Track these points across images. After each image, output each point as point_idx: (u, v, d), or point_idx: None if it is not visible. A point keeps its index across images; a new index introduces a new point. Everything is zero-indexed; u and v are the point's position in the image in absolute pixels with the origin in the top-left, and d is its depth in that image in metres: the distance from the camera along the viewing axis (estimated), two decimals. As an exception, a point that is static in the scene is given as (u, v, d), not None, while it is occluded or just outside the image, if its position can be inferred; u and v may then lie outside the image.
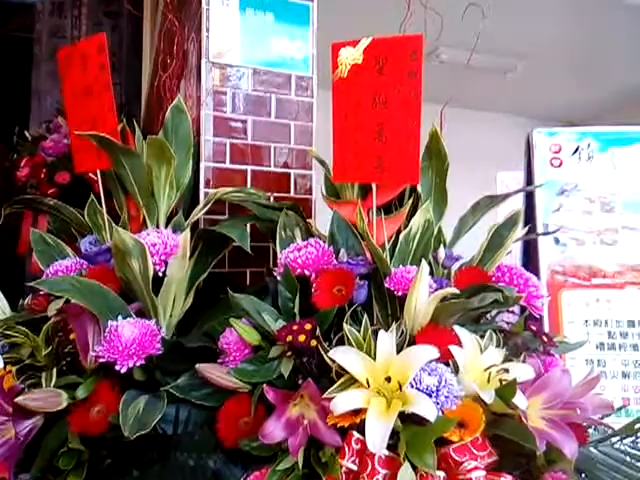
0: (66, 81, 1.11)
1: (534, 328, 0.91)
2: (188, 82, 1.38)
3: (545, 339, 0.90)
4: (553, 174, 1.54)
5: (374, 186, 0.94)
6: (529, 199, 1.53)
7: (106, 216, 1.04)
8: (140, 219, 1.04)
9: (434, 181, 1.02)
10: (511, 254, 1.18)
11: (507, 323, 0.99)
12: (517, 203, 1.41)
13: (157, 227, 1.01)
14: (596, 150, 1.54)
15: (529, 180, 1.57)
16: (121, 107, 2.28)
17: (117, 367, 0.79)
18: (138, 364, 0.80)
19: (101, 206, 1.08)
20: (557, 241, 1.49)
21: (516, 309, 1.03)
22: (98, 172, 1.06)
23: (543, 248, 1.47)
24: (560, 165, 1.55)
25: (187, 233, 0.91)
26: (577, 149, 1.55)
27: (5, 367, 0.85)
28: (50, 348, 0.85)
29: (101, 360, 0.80)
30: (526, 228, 1.24)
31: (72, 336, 0.83)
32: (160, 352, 0.84)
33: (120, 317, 0.84)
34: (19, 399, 0.74)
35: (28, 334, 0.87)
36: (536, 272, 1.41)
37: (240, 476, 0.74)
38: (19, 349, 0.89)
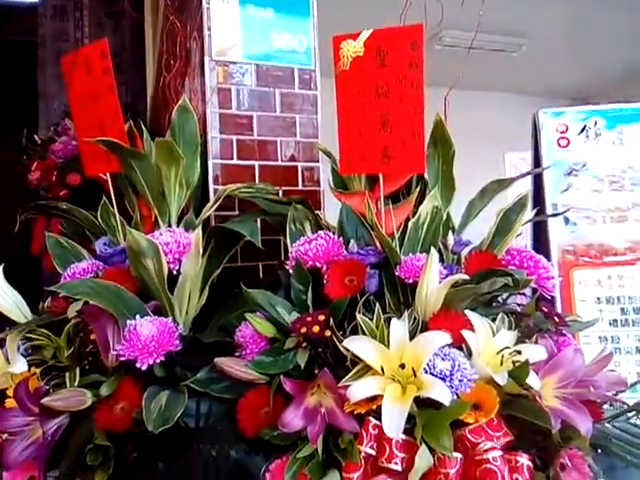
0: (71, 87, 1.12)
1: (545, 309, 0.91)
2: (192, 81, 1.39)
3: (557, 319, 0.91)
4: (561, 154, 1.54)
5: (381, 176, 0.95)
6: (537, 180, 1.53)
7: (119, 217, 1.05)
8: (152, 219, 1.05)
9: (440, 168, 1.02)
10: (521, 235, 1.18)
11: (519, 305, 1.00)
12: (525, 185, 1.41)
13: (169, 226, 1.03)
14: (603, 128, 1.54)
15: (537, 161, 1.56)
16: (127, 107, 2.30)
17: (138, 364, 0.81)
18: (158, 361, 0.82)
19: (113, 207, 1.10)
20: (567, 221, 1.49)
21: (528, 291, 1.04)
22: (108, 175, 1.08)
23: (553, 229, 1.48)
24: (567, 145, 1.55)
25: (199, 231, 0.93)
26: (584, 128, 1.54)
27: (29, 369, 0.88)
28: (72, 349, 0.88)
29: (122, 358, 0.82)
30: (535, 210, 1.24)
31: (92, 336, 0.86)
32: (179, 348, 0.86)
33: (138, 316, 0.86)
34: (45, 400, 0.76)
35: (50, 336, 0.89)
36: (547, 253, 1.42)
37: (262, 465, 0.76)
38: (42, 351, 0.91)
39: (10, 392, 0.85)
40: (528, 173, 1.41)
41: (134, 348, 0.82)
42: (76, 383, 0.83)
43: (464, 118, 1.69)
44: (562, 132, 1.54)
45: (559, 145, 1.54)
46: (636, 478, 0.85)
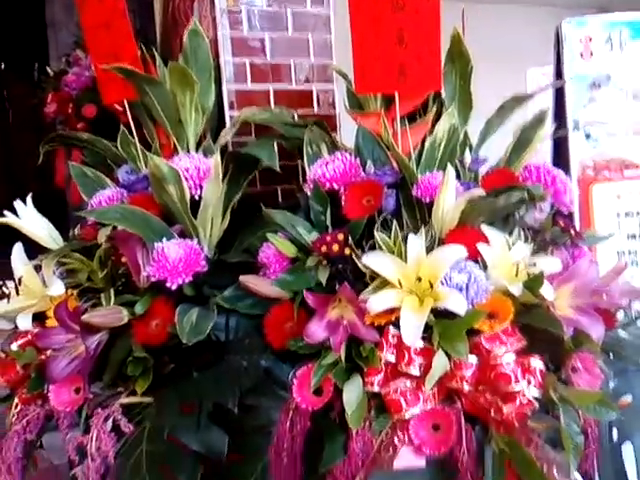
0: (83, 15, 1.11)
1: (562, 223, 0.93)
2: (201, 3, 1.36)
3: (573, 233, 0.93)
4: (583, 67, 1.49)
5: (397, 95, 0.94)
6: (559, 95, 1.48)
7: (139, 145, 1.07)
8: (171, 146, 1.07)
9: (458, 85, 1.01)
10: (541, 152, 1.17)
11: (536, 220, 1.01)
12: (547, 102, 1.37)
13: (188, 152, 1.05)
14: (628, 38, 1.47)
15: (559, 75, 1.51)
16: (137, 34, 2.25)
17: (168, 284, 0.86)
18: (187, 281, 0.87)
19: (132, 136, 1.11)
20: (588, 136, 1.46)
21: (546, 207, 1.05)
22: (125, 102, 1.09)
23: (574, 144, 1.45)
24: (591, 57, 1.49)
25: (217, 156, 0.94)
26: (608, 38, 1.48)
27: (66, 292, 0.93)
28: (105, 271, 0.92)
29: (153, 279, 0.86)
30: (554, 125, 1.22)
31: (123, 259, 0.90)
32: (205, 269, 0.90)
33: (164, 239, 0.90)
34: (85, 317, 0.82)
35: (83, 260, 0.94)
36: (566, 169, 1.40)
37: (289, 372, 0.81)
38: (76, 275, 0.97)
39: (50, 313, 0.91)
40: (549, 86, 1.37)
41: (163, 269, 0.86)
42: (111, 303, 0.89)
43: (484, 33, 1.63)
44: (586, 43, 1.48)
45: (582, 57, 1.49)
46: (646, 381, 0.90)
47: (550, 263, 0.83)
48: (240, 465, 0.82)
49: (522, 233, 0.90)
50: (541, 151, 1.18)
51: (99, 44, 1.10)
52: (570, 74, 1.46)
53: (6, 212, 1.02)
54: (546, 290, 0.79)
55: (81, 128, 2.45)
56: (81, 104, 2.94)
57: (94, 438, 0.80)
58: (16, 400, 0.91)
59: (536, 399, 0.74)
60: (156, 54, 1.16)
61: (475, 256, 0.82)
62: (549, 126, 1.06)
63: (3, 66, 5.26)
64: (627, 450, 0.84)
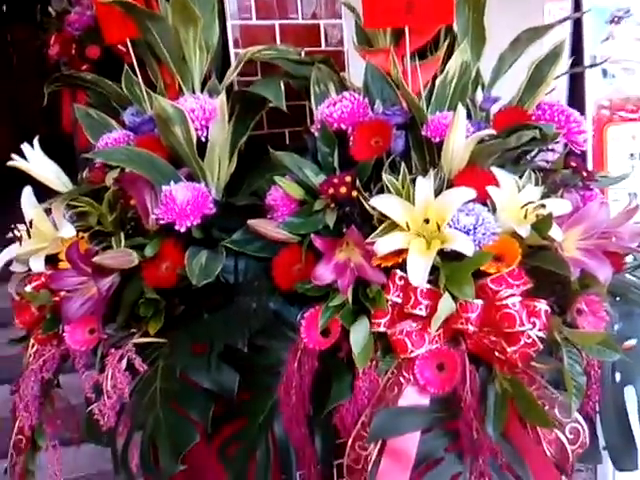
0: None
1: (574, 164, 0.91)
2: None
3: (585, 174, 0.91)
4: (603, 0, 1.42)
5: (407, 30, 0.91)
6: (576, 30, 1.42)
7: (143, 86, 1.05)
8: (175, 86, 1.05)
9: (471, 18, 0.97)
10: (556, 90, 1.14)
11: (548, 162, 0.99)
12: (564, 36, 1.32)
13: (193, 93, 1.02)
14: (653, -33, 1.39)
15: (577, 8, 1.45)
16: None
17: (177, 227, 0.86)
18: (195, 223, 0.87)
19: (136, 76, 1.09)
20: (605, 73, 1.41)
21: (559, 148, 1.03)
22: (128, 41, 1.06)
23: (590, 82, 1.40)
24: (612, -13, 1.42)
25: (223, 96, 0.92)
26: (632, -33, 1.40)
27: (77, 234, 0.94)
28: (114, 215, 0.93)
29: (161, 222, 0.87)
30: (570, 61, 1.18)
31: (132, 202, 0.90)
32: (213, 211, 0.90)
33: (172, 182, 0.89)
34: (96, 259, 0.83)
35: (92, 203, 0.94)
36: (582, 108, 1.37)
37: (297, 314, 0.82)
38: (86, 218, 0.97)
39: (62, 256, 0.92)
40: (566, 18, 1.31)
41: (171, 212, 0.86)
42: (122, 246, 0.90)
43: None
44: (608, -27, 1.41)
45: (603, -12, 1.42)
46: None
47: (560, 205, 0.82)
48: (250, 403, 0.85)
49: (532, 175, 0.88)
50: (556, 90, 1.14)
51: (98, -21, 1.05)
52: (589, 7, 1.40)
53: (14, 156, 1.02)
54: (555, 232, 0.79)
55: (85, 70, 2.40)
56: (84, 45, 2.89)
57: (109, 376, 0.83)
58: (32, 341, 0.94)
59: (540, 340, 0.75)
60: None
61: (484, 198, 0.81)
62: (565, 61, 1.02)
63: (5, 8, 5.12)
64: (629, 393, 0.85)
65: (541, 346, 0.75)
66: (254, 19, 1.19)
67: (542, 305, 0.77)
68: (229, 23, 1.17)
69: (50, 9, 2.84)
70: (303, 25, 1.22)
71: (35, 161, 1.01)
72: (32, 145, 1.03)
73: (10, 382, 0.97)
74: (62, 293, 0.89)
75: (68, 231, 0.92)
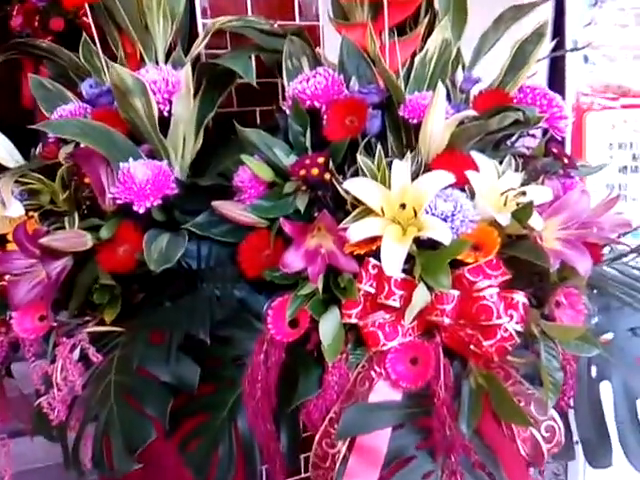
0: None
1: (555, 150, 0.88)
2: None
3: (566, 161, 0.88)
4: (587, -18, 1.39)
5: (385, 3, 0.86)
6: (559, 13, 1.39)
7: (102, 56, 0.98)
8: (137, 56, 0.98)
9: (453, -7, 0.92)
10: (535, 75, 1.11)
11: (528, 148, 0.96)
12: (547, 17, 1.28)
13: (156, 64, 0.96)
14: (638, -50, 1.37)
15: (560, -9, 1.41)
16: None
17: (135, 208, 0.80)
18: (155, 204, 0.81)
19: (95, 46, 1.01)
20: (586, 59, 1.39)
21: (538, 134, 1.00)
22: (87, 7, 0.98)
23: (571, 67, 1.38)
24: (595, -29, 1.39)
25: (188, 68, 0.86)
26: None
27: (27, 214, 0.87)
28: (67, 193, 0.86)
29: (119, 202, 0.81)
30: (553, 43, 1.15)
31: (86, 180, 0.84)
32: (176, 192, 0.84)
33: (131, 159, 0.83)
34: (43, 240, 0.76)
35: (43, 180, 0.87)
36: (562, 94, 1.34)
37: (264, 303, 0.78)
38: (38, 196, 0.90)
39: (10, 237, 0.86)
40: (549, -1, 1.27)
41: (129, 191, 0.80)
42: (75, 227, 0.83)
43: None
44: (591, -44, 1.37)
45: (586, -28, 1.39)
46: (629, 318, 0.88)
47: (541, 192, 0.79)
48: (213, 396, 0.80)
49: (513, 161, 0.85)
50: (536, 76, 1.11)
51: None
52: (572, -11, 1.37)
53: (-43, 128, 0.94)
54: (535, 221, 0.75)
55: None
56: (48, 17, 2.79)
57: (59, 367, 0.77)
58: (-23, 327, 0.87)
59: (517, 334, 0.72)
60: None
61: (463, 183, 0.77)
62: (547, 43, 0.98)
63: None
64: (604, 388, 0.84)
65: (518, 340, 0.72)
66: (224, -13, 1.12)
67: (520, 297, 0.73)
68: (197, -10, 1.10)
69: (11, -22, 2.71)
70: (277, -4, 1.16)
71: (-19, 134, 0.93)
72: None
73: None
74: (9, 277, 0.82)
75: (16, 210, 0.85)
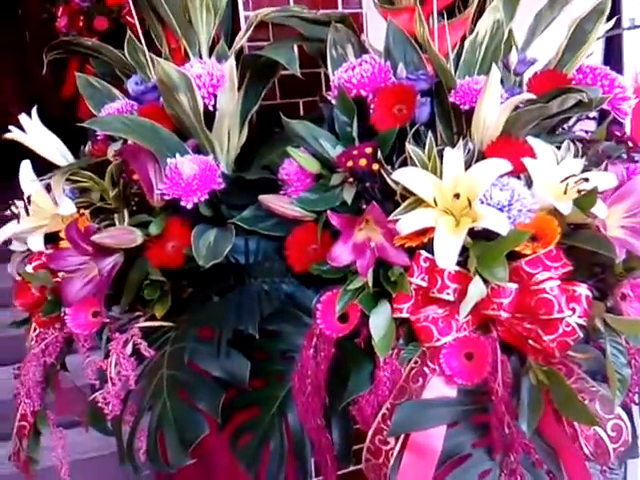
0: None
1: (619, 133, 0.83)
2: None
3: (630, 145, 0.83)
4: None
5: (434, -15, 0.82)
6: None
7: (147, 52, 0.98)
8: (181, 51, 0.98)
9: (504, -28, 0.88)
10: (592, 56, 1.05)
11: (586, 132, 0.91)
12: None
13: (200, 58, 0.95)
14: None
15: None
16: None
17: (183, 203, 0.80)
18: (202, 199, 0.81)
19: (140, 43, 1.02)
20: (646, 36, 1.31)
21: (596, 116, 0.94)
22: (131, 3, 0.99)
23: (628, 46, 1.30)
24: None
25: (232, 61, 0.85)
26: None
27: (78, 211, 0.88)
28: (116, 190, 0.87)
29: (167, 197, 0.81)
30: (611, 22, 1.08)
31: (135, 177, 0.84)
32: (222, 186, 0.83)
33: (178, 154, 0.83)
34: (95, 237, 0.77)
35: (94, 178, 0.88)
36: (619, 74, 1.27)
37: (312, 297, 0.76)
38: (89, 194, 0.91)
39: (63, 235, 0.87)
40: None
41: (177, 187, 0.80)
42: (125, 224, 0.84)
43: None
44: None
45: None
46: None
47: (605, 179, 0.74)
48: (263, 391, 0.80)
49: (572, 146, 0.81)
50: (591, 56, 1.05)
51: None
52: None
53: (11, 127, 0.96)
54: (599, 208, 0.71)
55: (93, 43, 2.34)
56: (93, 17, 2.85)
57: (113, 362, 0.78)
58: (34, 324, 0.89)
59: (580, 328, 0.68)
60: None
61: (520, 171, 0.74)
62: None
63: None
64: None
65: (581, 335, 0.68)
66: (266, -22, 1.11)
67: (583, 290, 0.69)
68: (239, -17, 1.09)
69: (58, -20, 2.79)
70: (318, -15, 1.13)
71: (33, 133, 0.95)
72: (30, 116, 0.96)
73: (16, 363, 0.93)
74: (62, 274, 0.84)
75: (67, 208, 0.86)
